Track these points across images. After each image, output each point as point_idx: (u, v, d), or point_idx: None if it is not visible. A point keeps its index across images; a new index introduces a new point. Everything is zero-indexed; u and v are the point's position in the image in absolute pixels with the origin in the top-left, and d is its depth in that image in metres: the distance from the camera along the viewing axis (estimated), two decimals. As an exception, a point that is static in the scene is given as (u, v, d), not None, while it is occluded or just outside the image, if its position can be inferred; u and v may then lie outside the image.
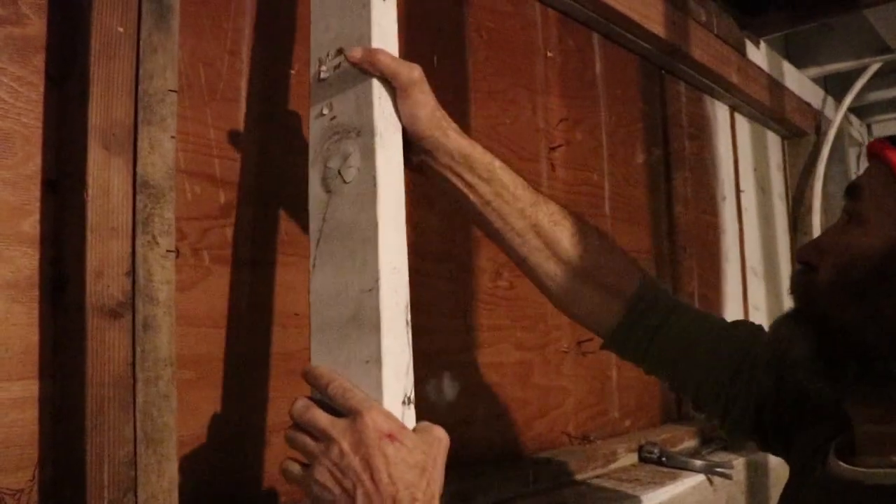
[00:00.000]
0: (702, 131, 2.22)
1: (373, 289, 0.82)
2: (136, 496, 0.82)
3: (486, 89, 1.45)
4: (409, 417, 0.82)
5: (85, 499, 0.79)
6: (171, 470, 0.85)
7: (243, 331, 1.03)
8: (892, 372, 0.66)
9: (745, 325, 1.04)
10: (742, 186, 2.42)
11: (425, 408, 1.25)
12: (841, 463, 0.75)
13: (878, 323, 0.66)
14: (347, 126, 0.89)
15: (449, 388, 1.31)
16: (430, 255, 1.30)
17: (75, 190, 0.82)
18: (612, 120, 1.80)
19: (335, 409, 0.76)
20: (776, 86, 2.51)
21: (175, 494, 0.85)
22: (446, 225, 1.34)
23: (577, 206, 1.66)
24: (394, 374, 0.81)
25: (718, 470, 1.54)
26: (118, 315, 0.82)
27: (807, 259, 0.75)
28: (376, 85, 0.88)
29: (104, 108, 0.82)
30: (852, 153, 3.34)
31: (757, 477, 1.69)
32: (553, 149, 1.58)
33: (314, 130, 0.92)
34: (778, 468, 1.77)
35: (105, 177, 0.82)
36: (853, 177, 3.18)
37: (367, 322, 0.82)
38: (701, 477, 1.51)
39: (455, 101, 1.38)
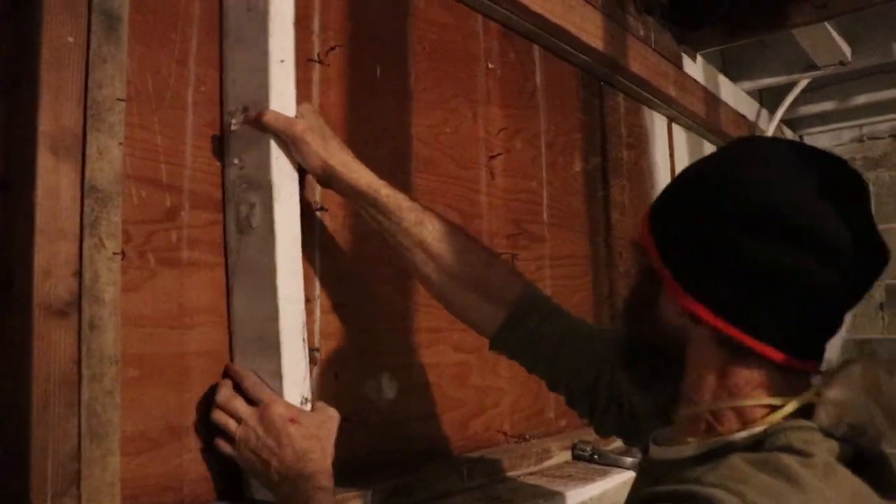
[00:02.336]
0: (640, 141, 2.30)
1: (273, 317, 1.04)
2: (79, 489, 0.85)
3: (428, 99, 1.50)
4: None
5: (28, 492, 0.82)
6: (114, 464, 0.89)
7: (186, 330, 1.07)
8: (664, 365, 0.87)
9: (613, 332, 1.16)
10: (678, 195, 2.51)
11: (365, 406, 1.30)
12: (652, 445, 0.90)
13: (645, 325, 0.88)
14: (251, 178, 1.09)
15: (388, 387, 1.35)
16: (369, 260, 1.35)
17: (24, 192, 0.85)
18: (552, 129, 1.87)
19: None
20: (712, 98, 2.61)
21: (118, 488, 0.89)
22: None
23: (515, 213, 1.72)
24: (292, 383, 1.05)
25: (647, 467, 1.61)
26: (65, 314, 0.85)
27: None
28: (273, 144, 1.07)
29: (54, 115, 0.86)
30: (786, 164, 3.45)
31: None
32: (493, 157, 1.64)
33: (229, 177, 1.12)
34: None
35: (54, 181, 0.85)
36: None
37: (270, 344, 1.05)
38: (631, 473, 1.57)
39: (397, 111, 1.43)
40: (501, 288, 1.17)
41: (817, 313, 0.79)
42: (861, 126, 3.53)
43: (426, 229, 1.14)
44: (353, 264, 1.32)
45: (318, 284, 1.25)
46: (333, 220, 1.29)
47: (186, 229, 1.08)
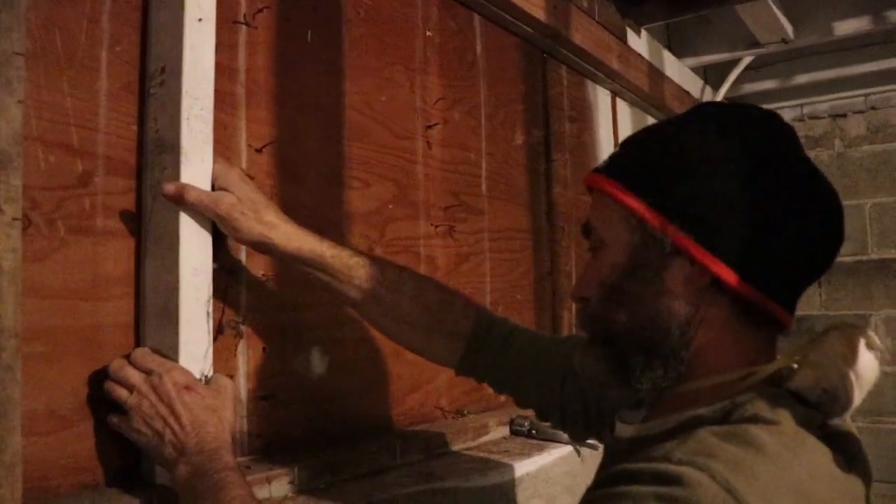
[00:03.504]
0: (583, 114, 2.28)
1: (175, 288, 1.00)
2: (-24, 470, 0.80)
3: (362, 66, 1.45)
4: None
5: (-80, 472, 0.77)
6: (15, 444, 0.84)
7: (101, 302, 1.01)
8: (664, 350, 0.79)
9: (573, 339, 1.18)
10: (621, 170, 2.50)
11: (294, 381, 1.26)
12: (618, 424, 0.87)
13: (641, 310, 0.79)
14: (164, 142, 1.04)
15: (318, 362, 1.31)
16: (301, 230, 1.30)
17: (-89, 154, 0.79)
18: (492, 101, 1.84)
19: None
20: (656, 73, 2.60)
21: (19, 470, 0.84)
22: (317, 202, 1.34)
23: (453, 184, 1.68)
24: (191, 358, 1.00)
25: (587, 442, 1.60)
26: (-44, 284, 0.80)
27: (578, 296, 0.87)
28: (184, 104, 1.02)
29: (-60, 69, 0.80)
30: (730, 141, 3.48)
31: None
32: (430, 127, 1.61)
33: (146, 141, 1.07)
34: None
35: (-57, 141, 0.80)
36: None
37: (172, 315, 1.01)
38: (569, 448, 1.57)
39: (329, 77, 1.38)
40: (457, 322, 1.16)
41: (810, 272, 0.80)
42: (802, 105, 3.57)
43: (377, 282, 1.11)
44: (282, 235, 1.27)
45: (244, 255, 1.20)
46: (260, 188, 1.24)
47: (101, 196, 1.03)
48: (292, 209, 1.29)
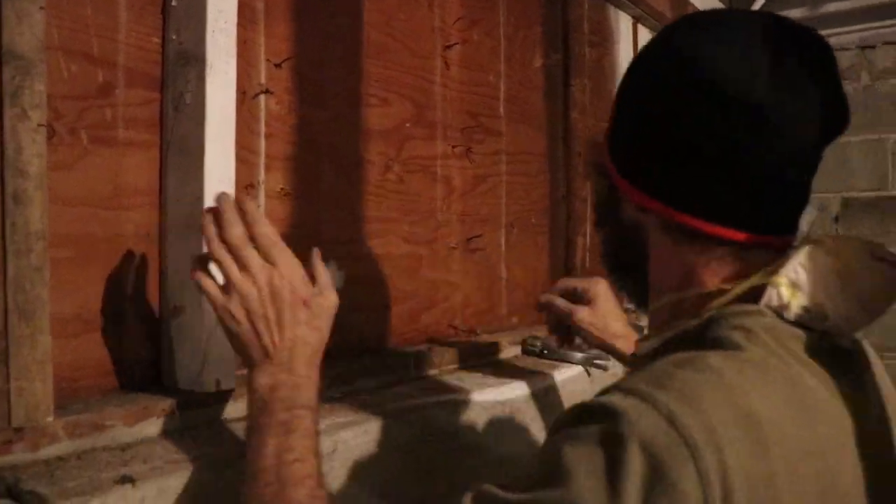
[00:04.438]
0: (603, 39, 2.25)
1: (199, 199, 1.01)
2: (7, 366, 0.84)
3: (382, -17, 1.44)
4: None
5: (-45, 367, 0.80)
6: (45, 343, 0.87)
7: (123, 212, 1.04)
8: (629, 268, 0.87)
9: None
10: (641, 97, 2.48)
11: (311, 295, 1.29)
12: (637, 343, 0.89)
13: (618, 240, 0.86)
14: (188, 53, 1.05)
15: (335, 277, 1.34)
16: (317, 147, 1.32)
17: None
18: (512, 22, 1.82)
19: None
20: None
21: (49, 367, 0.87)
22: (335, 119, 1.35)
23: (471, 105, 1.68)
24: (215, 271, 0.91)
25: (596, 362, 1.63)
26: (-15, 187, 0.82)
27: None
28: (210, 17, 1.02)
29: (-34, -25, 0.80)
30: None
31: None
32: (448, 47, 1.60)
33: (168, 54, 1.08)
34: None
35: (-32, 47, 0.81)
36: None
37: (196, 226, 0.98)
38: (579, 368, 1.60)
39: (348, -7, 1.37)
40: None
41: (772, 187, 0.74)
42: (829, 36, 3.47)
43: None
44: (300, 151, 1.29)
45: (262, 170, 1.22)
46: (280, 104, 1.25)
47: (122, 107, 1.04)
48: (311, 126, 1.30)
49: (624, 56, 2.36)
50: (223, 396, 1.03)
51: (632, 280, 0.88)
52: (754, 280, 0.72)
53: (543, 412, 1.42)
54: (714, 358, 0.67)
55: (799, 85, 0.71)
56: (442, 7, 1.59)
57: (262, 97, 1.22)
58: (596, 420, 0.63)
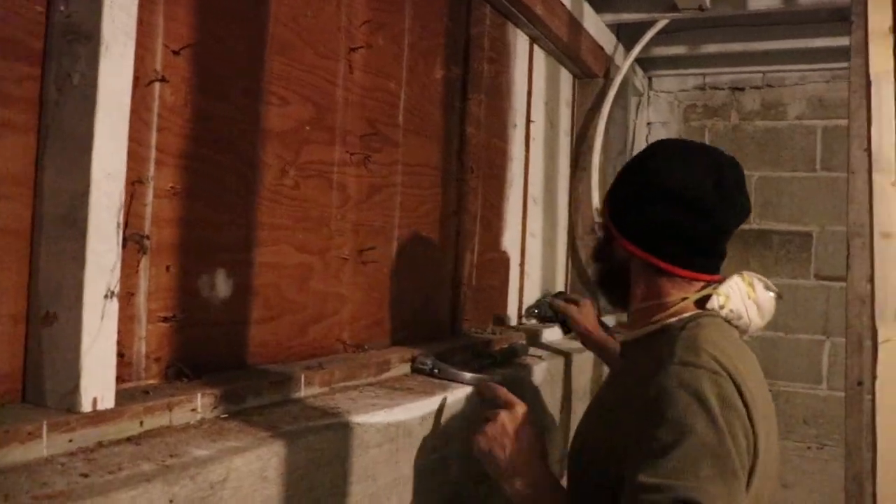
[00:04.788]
0: (501, 56, 2.24)
1: (84, 192, 0.92)
2: None
3: (290, -24, 1.36)
4: (110, 309, 0.95)
5: None
6: None
7: None
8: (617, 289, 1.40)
9: None
10: (533, 117, 2.49)
11: (196, 303, 1.19)
12: (617, 333, 1.64)
13: (609, 273, 1.41)
14: (79, 29, 0.95)
15: (223, 284, 1.24)
16: (213, 144, 1.22)
17: None
18: (416, 31, 1.77)
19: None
20: (575, 24, 2.58)
21: None
22: (233, 115, 1.25)
23: (371, 112, 1.62)
24: (97, 271, 0.93)
25: (485, 380, 1.59)
26: None
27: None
28: None
29: None
30: (633, 101, 3.54)
31: (518, 391, 1.77)
32: (353, 50, 1.53)
33: (53, 26, 0.97)
34: (538, 382, 1.88)
35: None
36: (632, 120, 3.37)
37: (78, 222, 0.92)
38: (470, 389, 1.56)
39: (255, -17, 1.28)
40: None
41: (703, 245, 1.29)
42: (705, 75, 3.65)
43: None
44: (195, 147, 1.18)
45: (152, 165, 1.11)
46: (175, 94, 1.15)
47: (2, 78, 0.92)
48: (210, 120, 1.21)
49: (519, 74, 2.36)
50: (101, 417, 0.91)
51: (616, 294, 1.40)
52: (704, 293, 1.28)
53: (435, 433, 1.37)
54: (710, 334, 1.20)
55: (729, 194, 1.25)
56: (349, 7, 1.52)
57: (157, 85, 1.12)
58: (682, 393, 1.08)
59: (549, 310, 2.14)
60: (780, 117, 3.54)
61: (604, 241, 1.40)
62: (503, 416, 1.30)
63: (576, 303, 1.99)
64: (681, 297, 1.28)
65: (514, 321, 2.39)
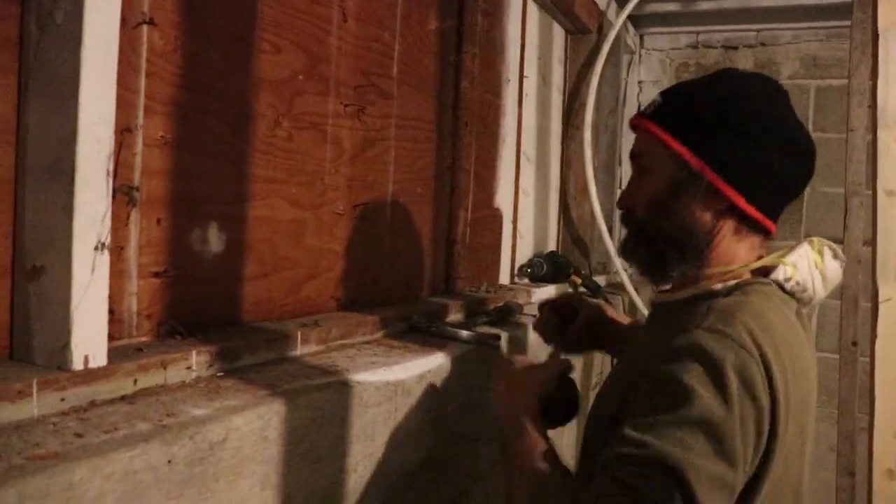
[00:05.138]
0: (495, 9, 2.18)
1: (72, 139, 0.86)
2: None
3: (283, -84, 1.29)
4: (101, 262, 0.89)
5: None
6: None
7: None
8: (680, 249, 1.12)
9: None
10: (526, 73, 2.44)
11: (188, 258, 1.15)
12: (657, 293, 1.22)
13: (679, 221, 1.11)
14: None
15: (216, 239, 1.20)
16: (204, 90, 1.16)
17: None
18: (411, -22, 1.71)
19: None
20: (569, -23, 2.52)
21: None
22: (224, 62, 1.20)
23: (366, 63, 1.56)
24: (88, 221, 0.88)
25: (487, 342, 1.56)
26: None
27: (625, 206, 1.18)
28: None
29: None
30: (625, 59, 3.49)
31: (517, 349, 1.74)
32: (348, -4, 1.47)
33: None
34: (534, 344, 1.85)
35: None
36: (624, 79, 3.34)
37: (65, 171, 0.87)
38: (468, 347, 1.53)
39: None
40: None
41: (792, 195, 1.14)
42: (698, 33, 3.59)
43: None
44: (185, 94, 1.13)
45: (141, 113, 1.06)
46: (164, 38, 1.09)
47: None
48: (199, 66, 1.15)
49: (513, 28, 2.30)
50: (94, 375, 0.87)
51: (661, 258, 1.14)
52: (768, 260, 1.11)
53: (433, 391, 1.34)
54: (751, 296, 1.05)
55: (811, 143, 1.12)
56: (343, -49, 1.46)
57: (145, 28, 1.06)
58: (698, 359, 0.95)
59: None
60: (774, 76, 3.49)
61: (675, 195, 1.11)
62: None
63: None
64: (745, 261, 1.11)
65: (506, 280, 2.36)
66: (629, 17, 3.06)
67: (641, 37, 3.66)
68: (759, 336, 0.97)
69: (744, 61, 3.52)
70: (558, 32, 2.78)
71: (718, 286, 1.10)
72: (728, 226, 1.11)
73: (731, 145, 1.08)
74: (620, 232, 1.42)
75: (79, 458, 0.71)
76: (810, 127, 3.41)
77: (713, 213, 1.10)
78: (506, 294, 2.07)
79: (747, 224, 1.11)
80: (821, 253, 1.13)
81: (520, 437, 1.08)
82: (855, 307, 2.03)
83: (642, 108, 1.19)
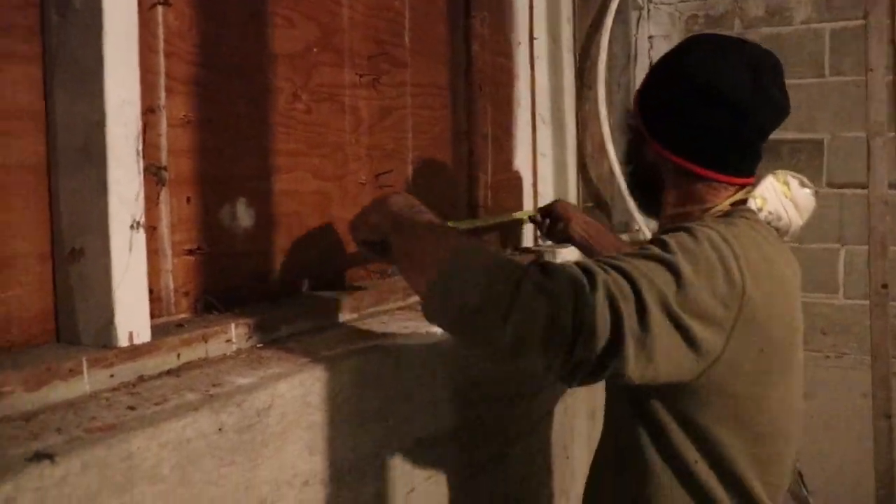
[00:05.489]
0: (502, -29, 2.17)
1: (100, 122, 0.88)
2: None
3: None
4: (138, 240, 0.92)
5: None
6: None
7: (5, 137, 0.87)
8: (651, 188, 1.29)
9: None
10: (536, 34, 2.42)
11: (219, 234, 1.16)
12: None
13: (641, 167, 1.31)
14: None
15: (244, 214, 1.21)
16: (223, 70, 1.17)
17: None
18: (417, -56, 1.70)
19: None
20: (573, -67, 2.50)
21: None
22: (239, 38, 1.20)
23: (378, 32, 1.56)
24: (120, 202, 0.90)
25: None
26: None
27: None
28: None
29: None
30: (634, 15, 3.45)
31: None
32: (357, -35, 1.47)
33: None
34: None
35: None
36: (634, 35, 3.28)
37: (96, 153, 0.89)
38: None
39: None
40: None
41: (739, 147, 1.19)
42: (706, -19, 3.55)
43: None
44: (204, 73, 1.14)
45: (163, 93, 1.07)
46: (179, 18, 1.10)
47: (-7, 9, 0.87)
48: (216, 44, 1.16)
49: (520, -11, 2.29)
50: (139, 351, 0.89)
51: (648, 199, 1.31)
52: (738, 196, 1.20)
53: (468, 354, 1.35)
54: (737, 229, 1.11)
55: (767, 91, 1.16)
56: (348, -79, 1.46)
57: (160, 9, 1.07)
58: (692, 235, 1.06)
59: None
60: (786, 22, 3.44)
61: (634, 143, 1.30)
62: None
63: (560, 217, 1.83)
64: (716, 202, 1.19)
65: (529, 242, 2.37)
66: (635, -29, 3.03)
67: (649, -9, 3.62)
68: (735, 244, 1.06)
69: (754, 9, 3.47)
70: (566, -8, 2.76)
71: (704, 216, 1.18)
72: (671, 174, 1.22)
73: (657, 102, 1.23)
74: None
75: (134, 429, 0.73)
76: (826, 71, 3.37)
77: (656, 160, 1.23)
78: (528, 257, 2.08)
79: (685, 173, 1.20)
80: (787, 184, 1.21)
81: (421, 214, 1.18)
82: (883, 250, 2.02)
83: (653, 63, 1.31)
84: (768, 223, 1.19)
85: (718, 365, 1.03)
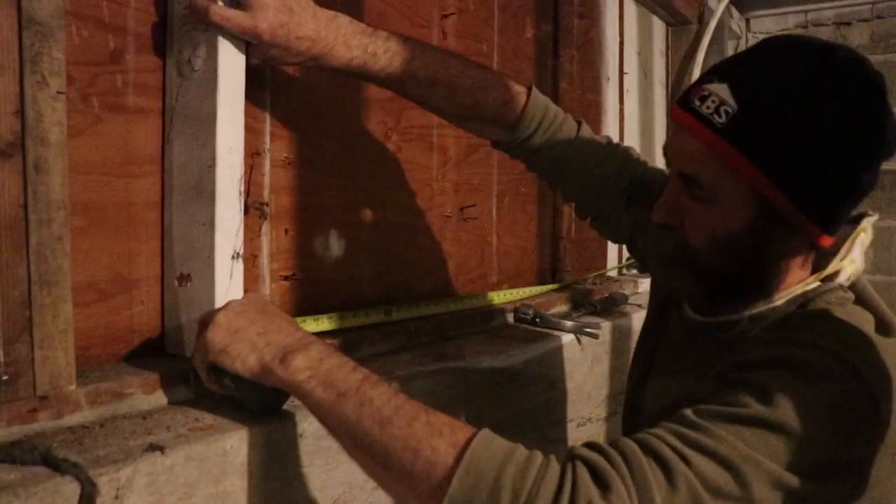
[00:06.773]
0: (591, 11, 2.26)
1: (211, 165, 1.02)
2: (31, 336, 0.84)
3: (382, -49, 1.44)
4: (237, 269, 1.06)
5: (-22, 336, 0.80)
6: (66, 311, 0.87)
7: (132, 180, 1.04)
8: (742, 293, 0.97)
9: (616, 154, 1.32)
10: (626, 69, 2.50)
11: (312, 262, 1.31)
12: (691, 312, 1.07)
13: (750, 264, 0.93)
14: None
15: (336, 245, 1.35)
16: (321, 116, 1.32)
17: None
18: (506, -8, 1.82)
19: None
20: (665, -29, 2.57)
21: (70, 335, 0.88)
22: (336, 86, 1.35)
23: (467, 76, 1.69)
24: (224, 236, 1.03)
25: (587, 330, 1.67)
26: (8, 155, 0.82)
27: (667, 221, 0.97)
28: None
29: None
30: (730, 45, 3.47)
31: (620, 339, 1.83)
32: (445, 16, 1.60)
33: (173, 19, 1.06)
34: (637, 333, 1.93)
35: (-11, 12, 0.80)
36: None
37: (206, 192, 1.03)
38: (570, 336, 1.63)
39: (351, -39, 1.37)
40: (500, 111, 1.25)
41: (856, 196, 0.92)
42: (807, 12, 3.54)
43: (416, 63, 1.18)
44: (305, 119, 1.29)
45: (268, 138, 1.22)
46: (280, 72, 1.25)
47: (132, 73, 1.04)
48: (312, 94, 1.30)
49: (610, 27, 2.38)
50: (237, 364, 1.04)
51: (712, 291, 0.97)
52: (830, 269, 0.96)
53: (537, 377, 1.45)
54: (838, 310, 0.91)
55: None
56: (440, -24, 1.59)
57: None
58: (792, 364, 0.82)
59: None
60: (893, 49, 3.39)
61: (752, 229, 0.91)
62: (232, 302, 0.94)
63: None
64: (803, 276, 0.97)
65: (613, 272, 2.44)
66: (732, 1, 3.07)
67: (747, 20, 3.63)
68: (859, 361, 0.83)
69: (858, 36, 3.44)
70: (658, 25, 2.83)
71: (779, 303, 0.96)
72: (801, 258, 0.96)
73: (819, 169, 0.87)
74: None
75: (229, 430, 0.88)
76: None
77: (790, 251, 0.94)
78: (611, 285, 2.16)
79: (812, 247, 0.95)
80: (865, 231, 0.99)
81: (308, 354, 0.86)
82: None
83: (696, 98, 0.89)
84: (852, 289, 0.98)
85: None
